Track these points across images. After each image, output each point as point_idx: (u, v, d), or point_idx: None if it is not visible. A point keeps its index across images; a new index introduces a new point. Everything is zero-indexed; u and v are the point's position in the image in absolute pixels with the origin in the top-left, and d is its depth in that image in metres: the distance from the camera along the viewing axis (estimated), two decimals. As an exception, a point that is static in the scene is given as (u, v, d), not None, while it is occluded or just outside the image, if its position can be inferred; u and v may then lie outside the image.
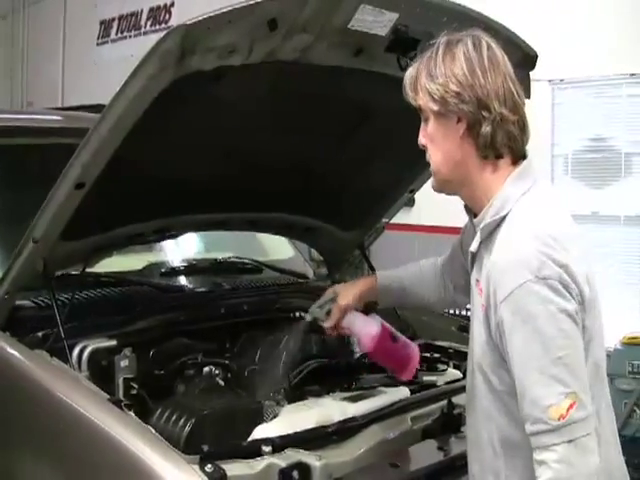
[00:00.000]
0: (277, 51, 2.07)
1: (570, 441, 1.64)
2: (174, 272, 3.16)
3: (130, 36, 9.87)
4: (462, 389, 2.12)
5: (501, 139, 1.80)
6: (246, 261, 3.38)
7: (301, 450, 2.02)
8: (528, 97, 2.21)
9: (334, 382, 2.58)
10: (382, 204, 3.12)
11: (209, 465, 1.80)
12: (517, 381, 1.71)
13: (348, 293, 2.43)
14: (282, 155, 2.57)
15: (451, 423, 2.34)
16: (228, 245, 3.59)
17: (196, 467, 1.79)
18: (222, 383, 2.45)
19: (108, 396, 2.09)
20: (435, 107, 1.82)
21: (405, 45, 2.20)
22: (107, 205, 2.32)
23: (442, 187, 1.93)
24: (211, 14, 1.87)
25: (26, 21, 11.30)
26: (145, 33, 9.58)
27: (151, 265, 3.13)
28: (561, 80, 6.01)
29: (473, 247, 1.90)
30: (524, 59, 2.39)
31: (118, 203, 2.39)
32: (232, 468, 1.86)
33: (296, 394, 2.49)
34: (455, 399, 2.38)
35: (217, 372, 2.48)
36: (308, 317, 2.49)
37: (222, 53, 1.96)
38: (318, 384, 2.58)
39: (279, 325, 2.74)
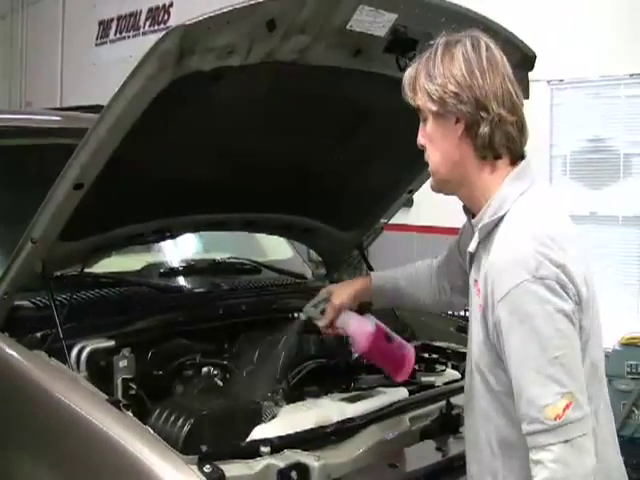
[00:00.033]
0: (276, 52, 2.07)
1: (566, 441, 1.64)
2: (173, 272, 3.16)
3: (129, 36, 9.87)
4: (460, 390, 2.12)
5: (499, 140, 1.80)
6: (244, 262, 3.38)
7: (299, 451, 2.02)
8: (527, 97, 2.21)
9: (333, 383, 2.58)
10: (381, 204, 3.12)
11: (207, 465, 1.80)
12: (514, 381, 1.71)
13: (342, 293, 2.42)
14: (281, 155, 2.57)
15: (449, 424, 2.34)
16: (227, 245, 3.59)
17: (194, 467, 1.79)
18: (220, 384, 2.45)
19: (107, 396, 2.09)
20: (434, 107, 1.82)
21: (404, 46, 2.21)
22: (106, 205, 2.33)
23: (440, 187, 1.94)
24: (210, 14, 1.88)
25: (25, 21, 11.30)
26: (144, 33, 9.58)
27: (150, 265, 3.13)
28: (560, 81, 6.02)
29: (471, 247, 1.90)
30: (523, 60, 2.40)
31: (117, 203, 2.39)
32: (230, 468, 1.86)
33: (294, 395, 2.49)
34: (453, 400, 2.38)
35: (215, 373, 2.48)
36: (302, 316, 2.48)
37: (221, 54, 1.97)
38: (317, 385, 2.58)
39: (277, 326, 2.74)
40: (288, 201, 2.92)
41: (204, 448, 1.96)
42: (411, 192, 3.06)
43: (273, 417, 2.26)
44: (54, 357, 2.26)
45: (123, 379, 2.29)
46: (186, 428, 2.04)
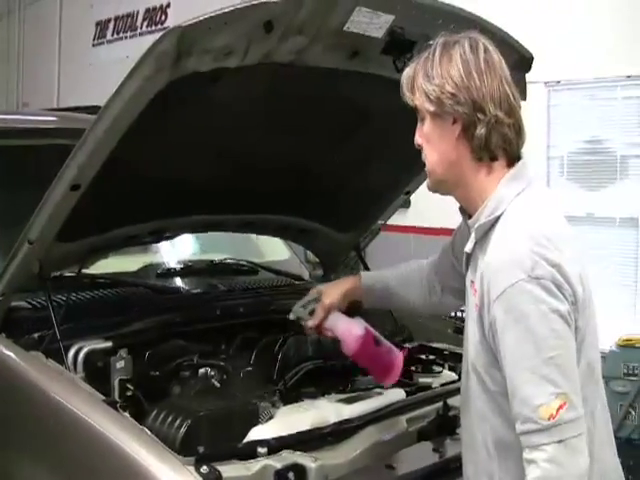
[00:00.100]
0: (273, 53, 2.07)
1: (560, 441, 1.64)
2: (170, 273, 3.15)
3: (126, 37, 9.85)
4: (457, 391, 2.12)
5: (496, 141, 1.81)
6: (242, 262, 3.38)
7: (297, 452, 2.02)
8: (524, 99, 2.21)
9: (330, 384, 2.58)
10: (378, 206, 3.12)
11: (204, 467, 1.80)
12: (508, 380, 1.71)
13: (332, 292, 2.42)
14: (278, 157, 2.57)
15: (446, 425, 2.34)
16: (224, 246, 3.59)
17: (191, 468, 1.79)
18: (218, 385, 2.45)
19: (104, 397, 2.09)
20: (431, 108, 1.83)
21: (401, 47, 2.21)
22: (103, 206, 2.32)
23: (437, 187, 1.94)
24: (207, 15, 1.88)
25: (22, 22, 11.29)
26: (141, 34, 9.56)
27: (147, 266, 3.13)
28: (557, 82, 6.02)
29: (468, 247, 1.90)
30: (520, 61, 2.40)
31: (114, 204, 2.39)
32: (228, 469, 1.86)
33: (292, 396, 2.49)
34: (450, 401, 2.38)
35: (213, 374, 2.47)
36: (291, 316, 2.48)
37: (218, 55, 1.97)
38: (314, 386, 2.58)
39: (275, 326, 2.74)
40: (285, 202, 2.92)
41: (201, 449, 1.96)
42: (408, 193, 3.07)
43: (270, 418, 2.27)
44: (51, 358, 2.26)
45: (120, 380, 2.29)
46: (183, 429, 2.04)
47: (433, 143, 1.87)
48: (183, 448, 1.95)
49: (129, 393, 2.26)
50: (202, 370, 2.48)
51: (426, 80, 1.82)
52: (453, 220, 2.18)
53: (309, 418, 2.23)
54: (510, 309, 1.69)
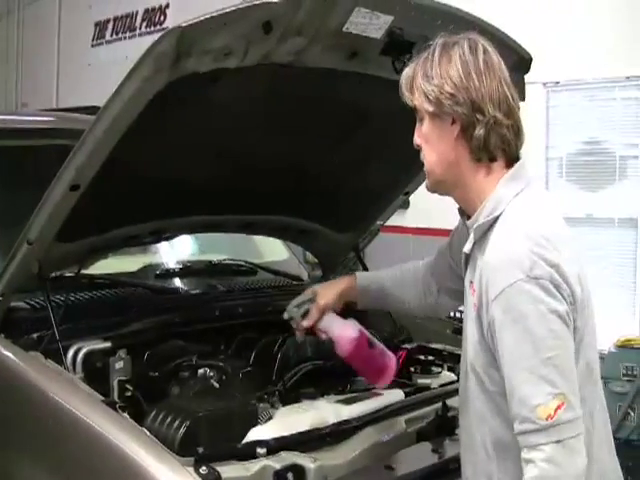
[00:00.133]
0: (272, 54, 2.07)
1: (558, 441, 1.64)
2: (169, 274, 3.16)
3: (125, 37, 9.85)
4: (456, 391, 2.12)
5: (495, 142, 1.81)
6: (241, 263, 3.38)
7: (296, 452, 2.02)
8: (523, 99, 2.21)
9: (329, 384, 2.59)
10: (377, 206, 3.12)
11: (204, 467, 1.80)
12: (506, 380, 1.71)
13: (327, 293, 2.41)
14: (277, 157, 2.57)
15: (445, 425, 2.34)
16: (223, 247, 3.59)
17: (191, 469, 1.79)
18: (217, 385, 2.45)
19: (103, 398, 2.09)
20: (430, 108, 1.83)
21: (400, 48, 2.21)
22: (102, 207, 2.32)
23: (435, 187, 1.94)
24: (206, 16, 1.88)
25: (21, 22, 11.28)
26: (140, 34, 9.56)
27: (146, 267, 3.14)
28: (556, 83, 6.02)
29: (466, 248, 1.90)
30: (519, 62, 2.40)
31: (113, 205, 2.39)
32: (227, 470, 1.86)
33: (291, 396, 2.49)
34: (449, 401, 2.38)
35: (212, 374, 2.47)
36: (285, 316, 2.47)
37: (217, 55, 1.97)
38: (313, 386, 2.58)
39: (274, 327, 2.74)
40: (285, 203, 2.92)
41: (200, 450, 1.95)
42: (407, 194, 3.07)
43: (269, 419, 2.26)
44: (50, 358, 2.26)
45: (119, 380, 2.29)
46: (182, 430, 2.04)
47: (432, 143, 1.87)
48: (182, 449, 1.95)
49: (128, 393, 2.26)
50: (201, 371, 2.48)
51: (425, 80, 1.82)
52: (452, 221, 2.18)
53: (308, 419, 2.23)
54: (508, 309, 1.69)
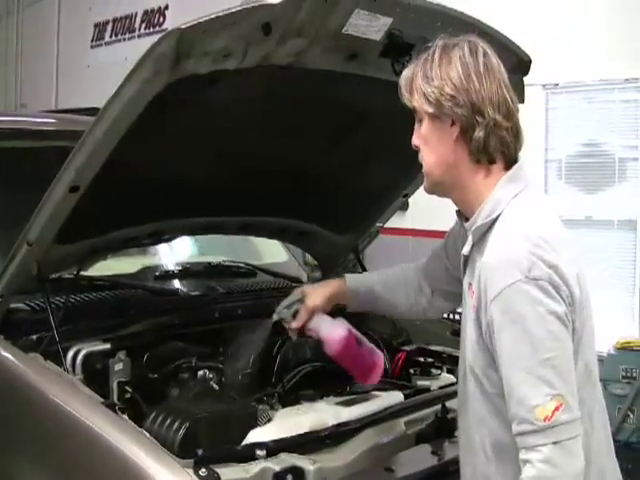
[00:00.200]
0: (271, 55, 2.07)
1: (555, 443, 1.64)
2: (168, 275, 3.16)
3: (124, 39, 9.84)
4: (456, 393, 2.12)
5: (494, 144, 1.81)
6: (240, 265, 3.38)
7: (295, 454, 2.02)
8: (522, 102, 2.22)
9: (328, 386, 2.58)
10: (376, 208, 3.13)
11: (203, 469, 1.80)
12: (504, 380, 1.71)
13: (317, 295, 2.40)
14: (276, 159, 2.57)
15: (445, 427, 2.34)
16: (222, 249, 3.59)
17: (190, 471, 1.79)
18: (216, 387, 2.45)
19: (102, 400, 2.09)
20: (430, 109, 1.83)
21: (399, 50, 2.21)
22: (102, 208, 2.32)
23: (434, 189, 1.94)
24: (206, 18, 1.88)
25: (20, 23, 11.28)
26: (139, 36, 9.56)
27: (145, 268, 3.14)
28: (555, 85, 6.02)
29: (465, 250, 1.90)
30: (518, 64, 2.40)
31: (113, 206, 2.39)
32: (226, 472, 1.86)
33: (290, 398, 2.49)
34: (449, 403, 2.38)
35: (211, 376, 2.47)
36: (274, 317, 2.46)
37: (217, 57, 1.97)
38: (312, 388, 2.58)
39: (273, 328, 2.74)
40: (284, 204, 2.92)
41: (200, 451, 1.95)
42: (406, 196, 3.07)
43: (269, 421, 2.26)
44: (50, 360, 2.26)
45: (119, 382, 2.29)
46: (182, 431, 2.04)
47: (431, 145, 1.87)
48: (182, 450, 1.95)
49: (128, 395, 2.26)
50: (200, 372, 2.48)
51: (425, 82, 1.82)
52: (452, 223, 2.18)
53: (307, 421, 2.23)
54: (507, 310, 1.69)
